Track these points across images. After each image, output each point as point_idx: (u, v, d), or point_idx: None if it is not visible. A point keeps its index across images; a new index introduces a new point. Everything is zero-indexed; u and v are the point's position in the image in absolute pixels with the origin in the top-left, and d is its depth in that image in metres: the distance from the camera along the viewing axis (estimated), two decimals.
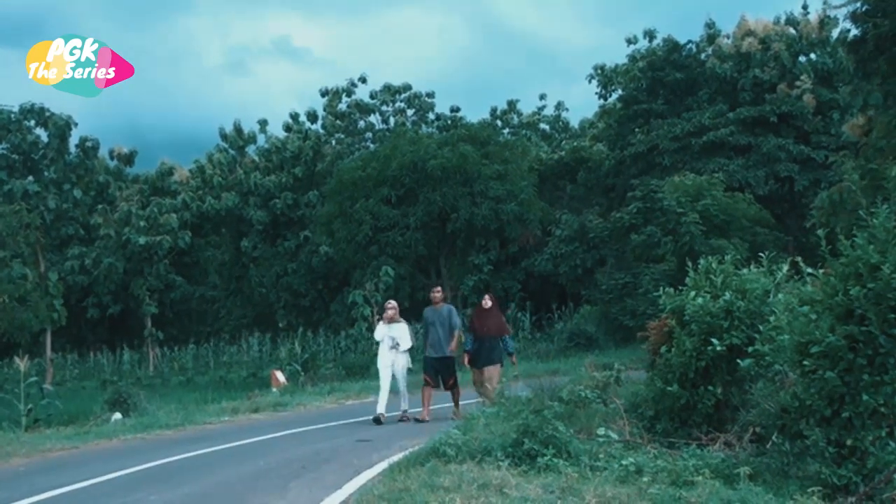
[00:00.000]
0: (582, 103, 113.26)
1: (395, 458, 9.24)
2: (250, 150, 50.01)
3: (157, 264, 44.72)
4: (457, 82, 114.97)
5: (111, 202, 46.92)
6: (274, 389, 23.51)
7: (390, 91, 47.90)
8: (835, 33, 36.50)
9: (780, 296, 8.81)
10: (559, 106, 54.67)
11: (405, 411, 14.92)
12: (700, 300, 9.02)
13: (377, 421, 14.33)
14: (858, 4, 20.13)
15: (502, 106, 52.13)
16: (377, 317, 15.59)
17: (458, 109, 48.82)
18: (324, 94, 48.70)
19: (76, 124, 43.77)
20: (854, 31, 21.48)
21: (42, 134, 44.03)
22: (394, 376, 14.97)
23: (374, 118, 48.83)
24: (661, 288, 9.92)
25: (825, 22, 37.62)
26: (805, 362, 7.08)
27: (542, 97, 55.14)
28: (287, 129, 49.09)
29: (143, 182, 51.97)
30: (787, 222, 35.17)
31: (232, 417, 17.79)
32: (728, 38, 40.63)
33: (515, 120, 52.31)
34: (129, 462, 11.14)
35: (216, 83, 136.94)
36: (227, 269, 50.10)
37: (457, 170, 30.54)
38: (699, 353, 8.82)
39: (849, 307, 6.96)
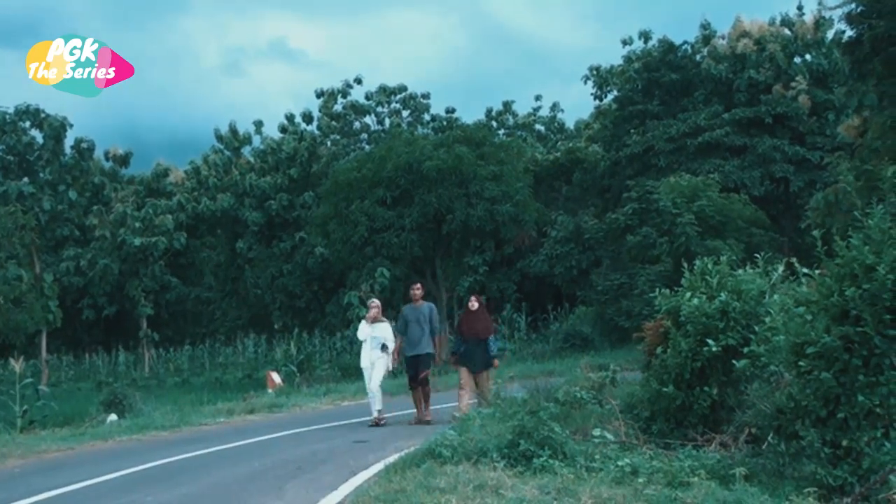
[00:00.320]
0: (577, 104, 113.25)
1: (392, 459, 9.24)
2: (246, 151, 49.99)
3: (152, 265, 44.71)
4: (452, 83, 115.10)
5: (106, 203, 46.88)
6: (269, 391, 23.52)
7: (386, 92, 47.89)
8: (830, 34, 36.54)
9: (775, 297, 8.82)
10: (554, 107, 54.72)
11: (379, 412, 14.41)
12: (696, 301, 9.03)
13: (378, 424, 14.22)
14: (853, 6, 20.18)
15: (498, 107, 52.18)
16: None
17: (453, 110, 48.91)
18: (319, 95, 48.67)
19: (71, 126, 43.72)
20: (849, 33, 21.53)
21: (37, 135, 43.96)
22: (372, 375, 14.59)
23: (370, 119, 48.85)
24: (657, 289, 9.92)
25: (820, 23, 37.66)
26: (800, 363, 7.09)
27: (537, 98, 55.25)
28: (282, 130, 49.08)
29: (139, 183, 51.92)
30: (783, 223, 35.19)
31: (227, 419, 17.79)
32: (723, 39, 40.67)
33: (511, 121, 52.31)
34: (125, 463, 11.14)
35: (212, 84, 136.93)
36: (222, 270, 50.07)
37: (452, 171, 30.51)
38: (695, 353, 8.82)
39: (844, 308, 6.97)
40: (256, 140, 49.69)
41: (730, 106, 37.07)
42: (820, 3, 35.63)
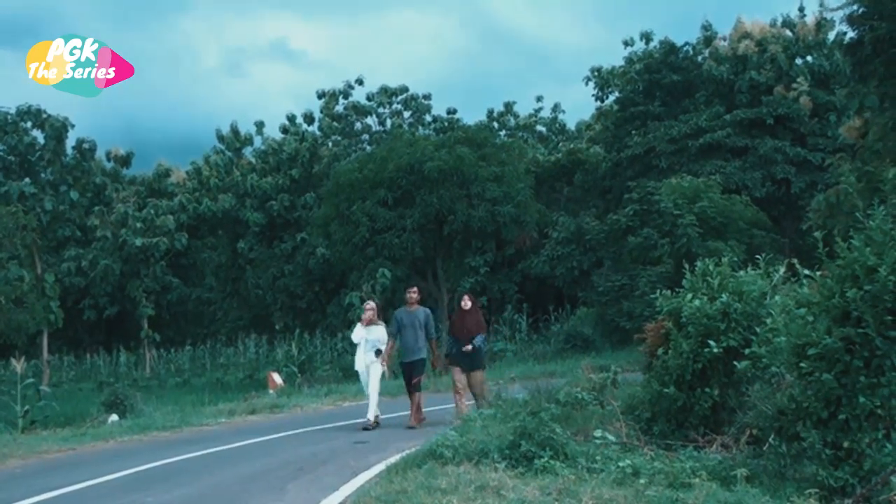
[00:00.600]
0: (578, 105, 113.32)
1: (393, 459, 9.25)
2: (247, 151, 49.93)
3: (153, 266, 44.68)
4: (453, 84, 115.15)
5: (108, 204, 46.84)
6: (271, 391, 23.52)
7: (387, 93, 47.88)
8: (831, 36, 36.61)
9: (776, 298, 8.82)
10: (556, 108, 54.64)
11: (373, 418, 14.15)
12: (697, 302, 9.03)
13: (365, 427, 14.03)
14: (855, 7, 20.16)
15: (499, 108, 52.10)
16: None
17: (454, 111, 48.85)
18: (320, 95, 48.67)
19: (73, 126, 43.67)
20: (850, 34, 21.52)
21: (39, 135, 43.95)
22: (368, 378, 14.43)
23: (371, 120, 48.83)
24: (658, 290, 9.93)
25: (822, 24, 37.65)
26: (802, 364, 7.09)
27: (538, 99, 55.18)
28: (284, 130, 49.06)
29: (140, 184, 51.92)
30: (784, 224, 35.18)
31: (228, 419, 17.80)
32: (724, 40, 40.63)
33: (512, 122, 52.26)
34: (126, 464, 11.15)
35: (213, 85, 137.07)
36: (223, 270, 50.05)
37: (453, 172, 30.52)
38: (696, 355, 8.83)
39: (845, 309, 6.97)
40: (258, 141, 49.69)
41: (731, 107, 37.05)
42: (821, 5, 35.73)
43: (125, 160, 51.98)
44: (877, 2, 19.36)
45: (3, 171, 42.89)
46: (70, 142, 44.42)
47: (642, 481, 7.27)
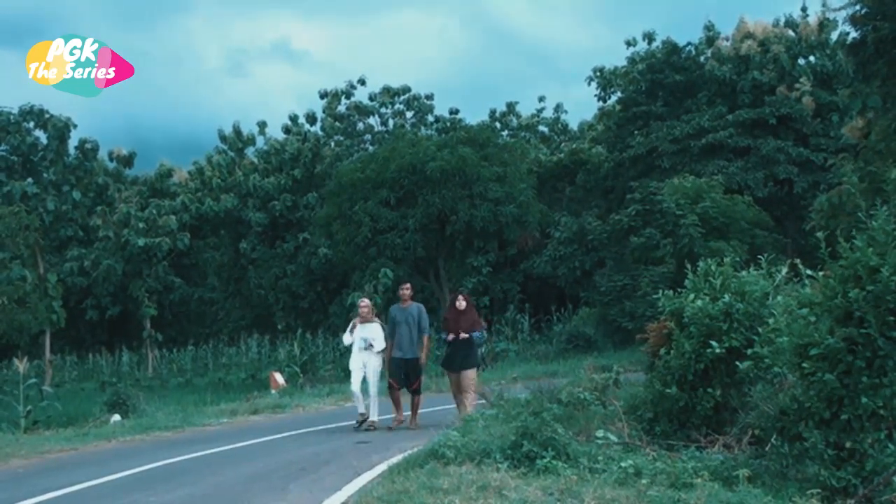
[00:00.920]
0: (581, 105, 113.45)
1: (395, 459, 9.25)
2: (249, 151, 49.94)
3: (156, 266, 44.68)
4: (456, 84, 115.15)
5: (110, 204, 46.86)
6: (273, 391, 23.54)
7: (389, 93, 47.87)
8: (834, 36, 36.57)
9: (779, 298, 8.81)
10: (558, 108, 54.58)
11: (372, 420, 14.08)
12: (699, 302, 9.02)
13: (361, 424, 13.95)
14: (858, 7, 20.12)
15: (501, 108, 52.04)
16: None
17: (457, 111, 48.84)
18: (323, 96, 48.66)
19: (75, 126, 43.82)
20: (853, 34, 21.46)
21: (41, 135, 44.06)
22: (365, 379, 14.22)
23: (374, 120, 48.81)
24: (660, 290, 9.93)
25: (824, 24, 37.64)
26: (804, 364, 7.08)
27: (541, 99, 55.06)
28: (286, 130, 49.08)
29: (143, 184, 51.97)
30: (787, 224, 35.17)
31: (231, 419, 17.81)
32: (727, 40, 40.63)
33: (514, 122, 52.22)
34: (128, 464, 11.15)
35: (215, 85, 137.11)
36: (225, 270, 50.06)
37: (456, 172, 30.54)
38: (698, 355, 8.82)
39: (848, 309, 6.96)
40: (260, 141, 49.70)
41: (733, 107, 37.06)
42: (824, 5, 35.66)
43: (127, 160, 52.04)
44: (880, 2, 19.32)
45: (5, 171, 42.96)
46: (72, 142, 44.64)
47: (644, 481, 7.26)
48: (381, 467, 9.22)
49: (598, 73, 44.78)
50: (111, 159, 51.99)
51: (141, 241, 42.77)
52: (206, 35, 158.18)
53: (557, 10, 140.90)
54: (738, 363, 8.39)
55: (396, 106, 48.23)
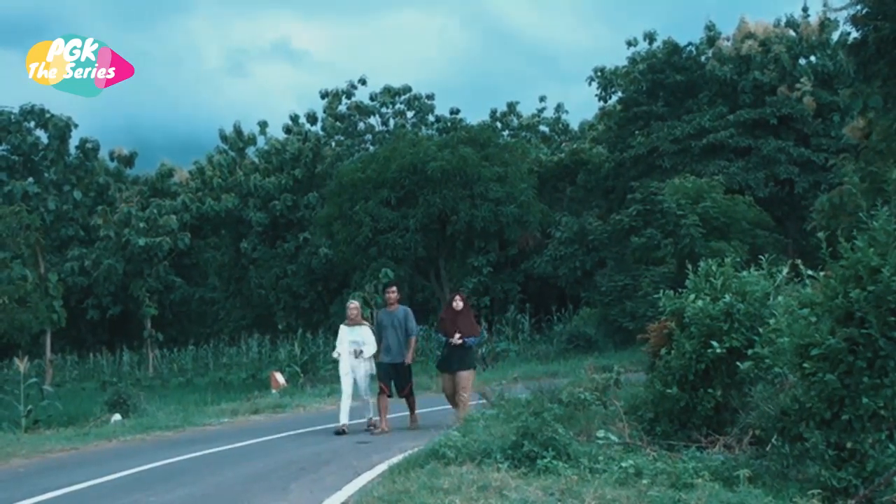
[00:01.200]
0: (582, 105, 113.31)
1: (395, 459, 9.24)
2: (250, 151, 50.00)
3: (156, 266, 44.71)
4: (456, 84, 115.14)
5: (111, 203, 46.89)
6: (273, 391, 23.53)
7: (390, 93, 47.89)
8: (835, 36, 36.58)
9: (779, 298, 8.80)
10: (559, 108, 54.63)
11: (371, 419, 14.01)
12: (700, 302, 9.02)
13: (340, 433, 13.50)
14: (859, 7, 20.11)
15: (502, 108, 52.14)
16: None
17: (457, 111, 48.88)
18: (323, 95, 48.70)
19: (76, 126, 43.87)
20: (854, 34, 21.46)
21: (42, 135, 44.10)
22: (355, 382, 13.96)
23: (374, 120, 48.86)
24: (661, 290, 9.92)
25: (825, 24, 37.64)
26: (805, 365, 7.08)
27: (541, 99, 55.13)
28: (287, 130, 49.11)
29: (143, 183, 52.02)
30: (787, 225, 35.18)
31: (231, 419, 17.81)
32: (728, 40, 40.64)
33: (515, 122, 52.26)
34: (129, 463, 11.16)
35: (216, 85, 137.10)
36: (226, 270, 50.08)
37: (456, 172, 30.54)
38: (699, 355, 8.81)
39: (849, 310, 6.95)
40: (261, 140, 49.78)
41: (734, 107, 37.06)
42: (825, 5, 35.54)
43: (128, 160, 52.09)
44: (881, 2, 19.31)
45: (6, 171, 42.98)
46: (73, 141, 44.68)
47: (645, 482, 7.26)
48: (382, 467, 9.22)
49: (599, 73, 44.81)
50: (112, 159, 52.04)
51: (142, 241, 42.78)
52: (206, 35, 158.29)
53: (558, 10, 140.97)
54: (738, 363, 8.39)
55: (397, 106, 48.28)
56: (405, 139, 35.28)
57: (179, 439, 14.59)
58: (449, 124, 46.83)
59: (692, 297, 9.22)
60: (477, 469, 8.05)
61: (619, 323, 30.91)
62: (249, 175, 46.16)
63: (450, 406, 14.10)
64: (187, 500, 8.58)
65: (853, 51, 21.31)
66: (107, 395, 21.67)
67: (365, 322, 14.47)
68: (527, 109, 53.64)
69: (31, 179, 43.58)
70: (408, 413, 14.39)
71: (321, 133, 48.46)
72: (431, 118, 48.56)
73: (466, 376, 13.60)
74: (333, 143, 48.18)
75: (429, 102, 48.41)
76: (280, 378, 25.17)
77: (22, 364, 19.63)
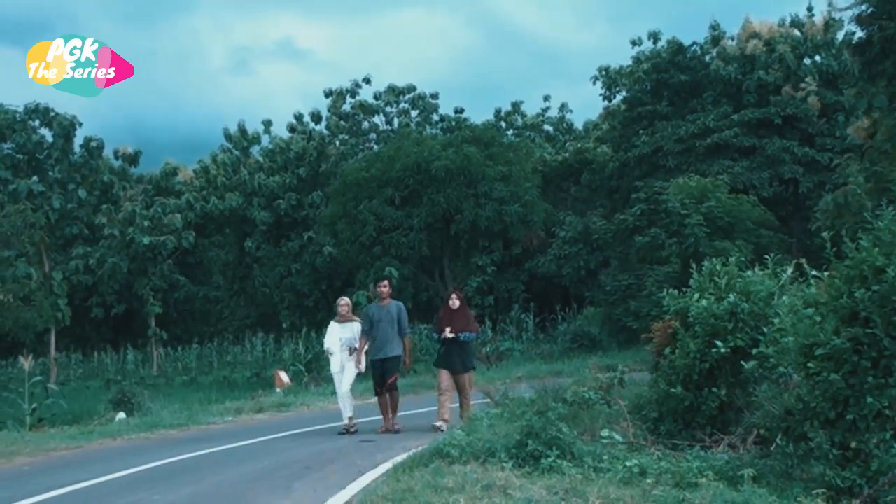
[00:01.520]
0: (586, 105, 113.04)
1: (399, 458, 9.25)
2: (254, 150, 50.01)
3: (161, 264, 44.74)
4: (461, 83, 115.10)
5: (115, 202, 46.86)
6: (277, 390, 23.54)
7: (394, 92, 47.84)
8: (840, 36, 36.43)
9: (784, 298, 8.81)
10: (563, 107, 54.54)
11: (350, 418, 13.59)
12: (704, 302, 9.02)
13: (344, 432, 13.43)
14: (864, 7, 20.11)
15: (506, 107, 52.05)
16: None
17: (462, 111, 48.80)
18: (328, 94, 48.65)
19: (81, 124, 43.79)
20: (859, 34, 21.45)
21: (47, 134, 44.06)
22: (343, 380, 13.69)
23: (378, 119, 48.80)
24: (665, 290, 9.92)
25: (830, 24, 37.57)
26: (809, 364, 7.08)
27: (546, 98, 55.07)
28: (291, 129, 49.08)
29: (148, 182, 52.03)
30: (792, 224, 35.13)
31: (235, 417, 17.83)
32: (732, 40, 40.59)
33: (519, 121, 52.19)
34: (133, 461, 11.17)
35: (220, 84, 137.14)
36: (230, 269, 50.10)
37: (461, 171, 30.55)
38: (703, 354, 8.82)
39: (853, 310, 6.96)
40: (265, 139, 49.77)
41: (739, 107, 37.00)
42: (830, 5, 35.43)
43: (133, 158, 52.04)
44: (886, 1, 19.32)
45: (11, 170, 42.95)
46: (78, 140, 44.59)
47: (649, 481, 7.26)
48: (386, 466, 9.23)
49: (604, 73, 44.82)
50: (116, 157, 52.00)
51: (146, 240, 42.80)
52: (210, 34, 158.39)
53: (562, 10, 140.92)
54: (743, 363, 8.39)
55: (401, 105, 48.19)
56: (409, 138, 35.29)
57: (183, 438, 14.61)
58: (453, 123, 46.77)
59: (696, 296, 9.23)
60: (481, 468, 8.06)
61: (623, 322, 30.86)
62: (254, 174, 46.18)
63: (431, 408, 13.89)
64: (191, 499, 8.58)
65: (858, 50, 21.31)
66: (111, 393, 21.70)
67: (356, 318, 14.15)
68: (531, 109, 53.65)
69: (35, 178, 43.57)
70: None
71: (325, 132, 48.43)
72: (436, 117, 48.50)
73: (469, 378, 13.55)
74: (338, 142, 48.13)
75: (433, 101, 48.37)
76: (284, 377, 25.19)
77: (26, 362, 19.67)
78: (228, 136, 49.37)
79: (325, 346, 14.17)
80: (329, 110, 48.44)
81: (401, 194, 31.17)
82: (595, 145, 44.88)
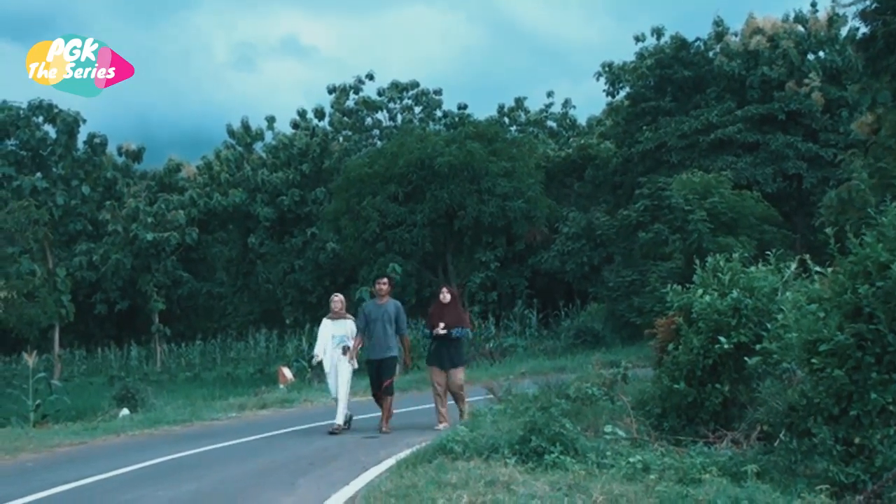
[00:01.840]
0: (589, 101, 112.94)
1: (403, 454, 9.26)
2: (258, 146, 50.05)
3: (164, 260, 44.76)
4: (464, 79, 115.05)
5: (119, 198, 46.92)
6: (281, 386, 23.55)
7: (398, 88, 47.86)
8: (843, 31, 36.47)
9: (787, 294, 8.80)
10: (567, 103, 54.49)
11: (338, 424, 13.14)
12: (707, 298, 9.02)
13: (332, 431, 13.06)
14: (867, 2, 20.08)
15: (510, 103, 52.03)
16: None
17: (465, 107, 48.77)
18: (331, 91, 48.69)
19: (84, 121, 43.91)
20: (863, 29, 21.45)
21: (50, 130, 44.16)
22: (337, 380, 13.43)
23: (382, 115, 48.85)
24: (669, 286, 9.92)
25: (834, 20, 37.54)
26: (813, 360, 7.07)
27: (549, 94, 54.99)
28: (294, 125, 49.12)
29: (151, 178, 52.09)
30: (795, 220, 35.10)
31: (239, 414, 17.83)
32: (736, 35, 40.58)
33: (523, 117, 52.16)
34: (137, 458, 11.18)
35: (224, 80, 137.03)
36: (234, 265, 50.11)
37: (464, 167, 30.54)
38: (706, 350, 8.82)
39: (857, 305, 6.95)
40: (268, 136, 49.83)
41: (742, 103, 36.97)
42: (833, 0, 35.53)
43: (136, 155, 52.12)
44: None
45: (15, 166, 43.06)
46: (81, 136, 44.71)
47: (652, 477, 7.26)
48: (389, 462, 9.22)
49: (607, 69, 44.80)
50: (120, 154, 52.08)
51: (149, 236, 42.84)
52: (214, 30, 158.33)
53: (566, 5, 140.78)
54: (746, 359, 8.39)
55: (404, 101, 48.25)
56: (413, 134, 35.28)
57: (187, 434, 14.62)
58: (456, 119, 46.77)
59: (700, 292, 9.22)
60: (484, 464, 8.06)
61: (626, 318, 30.83)
62: (257, 170, 46.19)
63: (431, 405, 13.59)
64: (195, 495, 8.59)
65: (862, 46, 21.29)
66: (115, 389, 21.71)
67: (349, 316, 13.88)
68: (534, 105, 53.63)
69: (39, 174, 43.69)
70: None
71: (329, 128, 48.47)
72: (439, 113, 48.53)
73: (460, 375, 13.18)
74: (341, 139, 48.15)
75: (436, 98, 48.39)
76: (287, 373, 25.20)
77: (30, 359, 19.68)
78: (232, 133, 49.39)
79: (315, 350, 13.87)
80: (332, 106, 48.49)
81: (404, 190, 31.17)
82: (598, 141, 44.80)
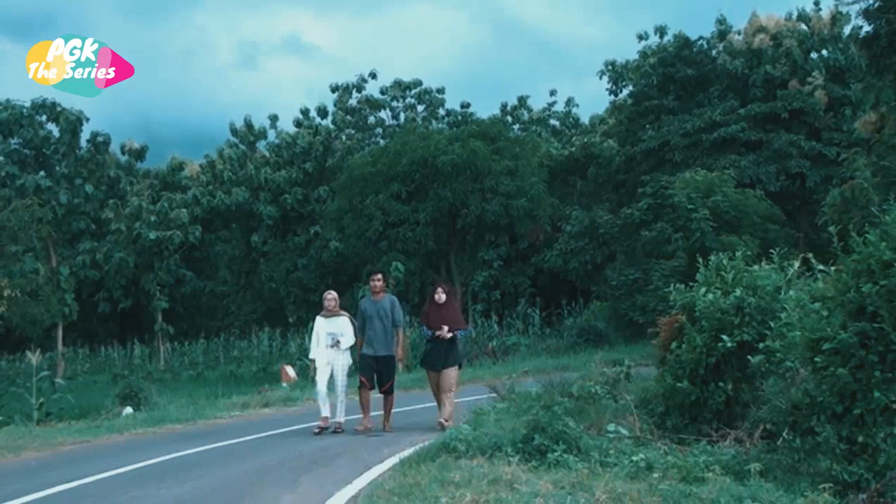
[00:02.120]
0: (592, 99, 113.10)
1: (406, 453, 9.26)
2: (260, 145, 50.06)
3: (167, 259, 44.81)
4: (467, 78, 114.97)
5: (122, 197, 47.01)
6: (284, 384, 23.55)
7: (400, 87, 47.88)
8: (847, 30, 36.41)
9: (791, 292, 8.79)
10: (569, 102, 54.48)
11: (339, 423, 13.03)
12: (711, 296, 9.01)
13: (335, 430, 12.95)
14: (871, 1, 20.06)
15: (512, 102, 52.04)
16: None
17: (468, 105, 48.81)
18: (334, 89, 48.70)
19: (87, 119, 43.97)
20: (866, 28, 21.43)
21: (53, 129, 44.22)
22: (332, 376, 13.10)
23: (385, 114, 48.87)
24: (672, 284, 9.92)
25: (837, 18, 37.45)
26: (816, 359, 7.07)
27: (552, 93, 54.95)
28: (297, 124, 49.12)
29: (154, 177, 52.19)
30: (799, 219, 35.07)
31: (242, 412, 17.82)
32: (739, 34, 40.51)
33: (526, 116, 52.14)
34: (140, 456, 11.18)
35: (227, 79, 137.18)
36: (237, 263, 50.18)
37: (467, 165, 30.55)
38: (709, 349, 8.81)
39: (861, 304, 6.94)
40: (271, 134, 49.83)
41: (745, 101, 36.93)
42: None
43: (139, 153, 52.21)
44: None
45: (18, 165, 43.13)
46: (84, 135, 44.75)
47: (656, 475, 7.26)
48: (393, 460, 9.22)
49: (610, 67, 44.76)
50: (123, 153, 52.17)
51: (152, 235, 42.90)
52: (217, 29, 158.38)
53: (569, 4, 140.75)
54: (749, 357, 8.39)
55: (407, 100, 48.28)
56: (415, 133, 35.28)
57: (190, 432, 14.62)
58: (459, 118, 46.81)
59: (703, 291, 9.22)
60: (488, 462, 8.07)
61: (629, 317, 30.85)
62: (260, 169, 46.22)
63: (431, 404, 13.53)
64: (198, 494, 8.59)
65: (865, 45, 21.27)
66: (118, 388, 21.69)
67: (344, 313, 13.59)
68: (537, 103, 53.61)
69: (42, 173, 43.78)
70: (369, 413, 13.27)
71: (332, 127, 48.46)
72: (442, 112, 48.56)
73: (453, 374, 12.71)
74: (344, 137, 48.17)
75: (439, 96, 48.40)
76: (290, 371, 25.22)
77: (34, 357, 19.66)
78: (235, 131, 49.42)
79: (311, 355, 13.55)
80: (335, 105, 48.51)
81: (407, 189, 31.19)
82: (601, 140, 44.80)
